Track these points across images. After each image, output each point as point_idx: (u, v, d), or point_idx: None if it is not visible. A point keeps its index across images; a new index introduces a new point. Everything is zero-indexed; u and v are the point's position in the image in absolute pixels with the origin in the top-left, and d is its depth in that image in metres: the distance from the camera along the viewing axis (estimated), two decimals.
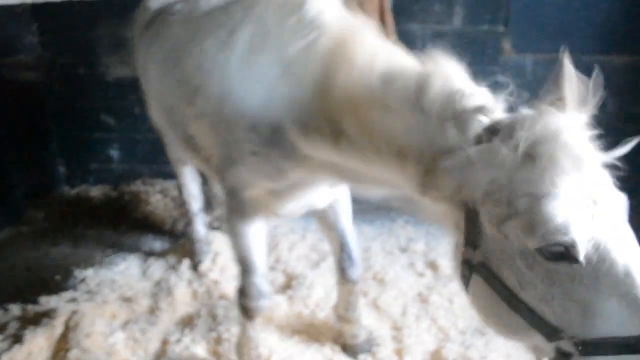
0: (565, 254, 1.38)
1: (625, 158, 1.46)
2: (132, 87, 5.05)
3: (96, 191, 5.39)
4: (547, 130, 1.38)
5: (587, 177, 1.38)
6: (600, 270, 1.37)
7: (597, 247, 1.38)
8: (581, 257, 1.36)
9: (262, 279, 2.67)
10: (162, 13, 3.16)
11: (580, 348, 1.38)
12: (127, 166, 5.49)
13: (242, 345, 2.89)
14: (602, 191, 1.41)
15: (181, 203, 4.40)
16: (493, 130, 1.49)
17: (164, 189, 5.22)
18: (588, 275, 1.38)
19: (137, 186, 5.33)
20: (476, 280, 1.56)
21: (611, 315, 1.37)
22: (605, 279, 1.37)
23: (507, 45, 4.53)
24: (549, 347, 1.46)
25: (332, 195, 2.65)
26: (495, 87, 1.65)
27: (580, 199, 1.38)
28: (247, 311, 2.74)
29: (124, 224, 4.77)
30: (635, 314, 1.35)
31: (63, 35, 5.18)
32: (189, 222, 4.14)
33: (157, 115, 3.07)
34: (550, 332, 1.43)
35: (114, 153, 5.48)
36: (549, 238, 1.36)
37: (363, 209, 4.86)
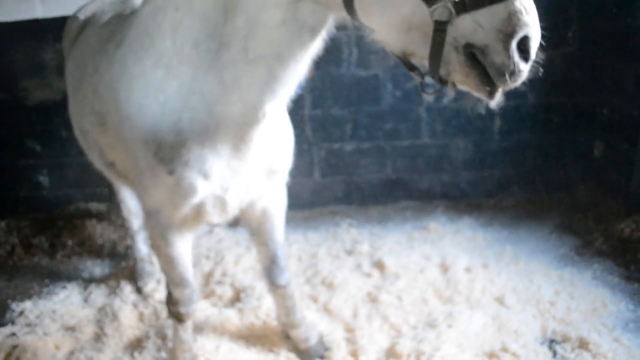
0: None
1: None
2: (56, 110, 4.89)
3: (27, 220, 5.15)
4: None
5: None
6: None
7: None
8: None
9: (194, 290, 2.72)
10: (87, 23, 3.10)
11: (453, 7, 1.48)
12: (59, 192, 5.29)
13: (176, 349, 2.88)
14: None
15: (119, 225, 4.28)
16: None
17: (100, 212, 5.07)
18: None
19: (71, 212, 5.15)
20: None
21: None
22: None
23: None
24: (426, 15, 1.52)
25: (258, 190, 2.55)
26: None
27: None
28: (178, 316, 2.78)
29: (61, 252, 4.58)
30: None
31: None
32: (130, 242, 4.03)
33: (77, 136, 2.98)
34: None
35: (44, 179, 5.27)
36: None
37: (307, 216, 4.93)
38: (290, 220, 4.55)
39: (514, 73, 1.52)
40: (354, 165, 5.05)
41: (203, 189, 2.22)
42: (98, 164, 2.83)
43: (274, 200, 2.70)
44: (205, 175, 2.19)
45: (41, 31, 4.76)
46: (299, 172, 4.99)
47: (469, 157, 5.02)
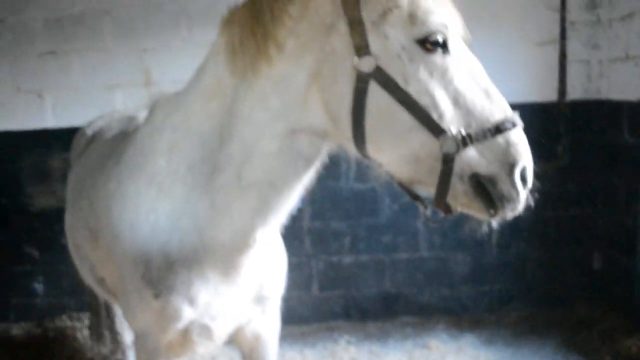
0: (440, 44, 1.65)
1: None
2: (58, 218, 4.88)
3: (18, 328, 5.02)
4: None
5: None
6: (464, 62, 1.68)
7: (458, 42, 1.71)
8: (450, 47, 1.66)
9: None
10: (94, 138, 3.18)
11: (461, 141, 1.60)
12: (53, 300, 5.19)
13: None
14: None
15: (112, 338, 4.15)
16: None
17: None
18: (456, 66, 1.66)
19: (63, 321, 5.02)
20: (373, 88, 1.67)
21: (474, 103, 1.64)
22: (467, 71, 1.67)
23: None
24: (435, 149, 1.63)
25: (248, 315, 2.44)
26: None
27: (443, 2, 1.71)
28: None
29: None
30: (489, 101, 1.66)
31: None
32: (121, 357, 3.89)
33: (70, 249, 2.96)
34: (434, 126, 1.63)
35: (38, 286, 5.19)
36: (429, 27, 1.63)
37: (304, 331, 4.80)
38: (287, 336, 4.43)
39: (517, 200, 1.65)
40: (353, 278, 4.99)
41: (188, 316, 2.13)
42: (89, 279, 2.79)
43: (266, 325, 2.55)
44: (191, 301, 2.10)
45: (50, 140, 4.91)
46: (296, 285, 4.93)
47: (468, 271, 4.97)
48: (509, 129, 1.63)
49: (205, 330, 2.22)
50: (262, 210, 1.96)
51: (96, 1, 4.78)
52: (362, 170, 4.74)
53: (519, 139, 1.65)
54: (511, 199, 1.65)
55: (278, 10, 1.76)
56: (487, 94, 1.67)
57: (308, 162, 1.89)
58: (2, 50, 4.85)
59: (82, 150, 3.24)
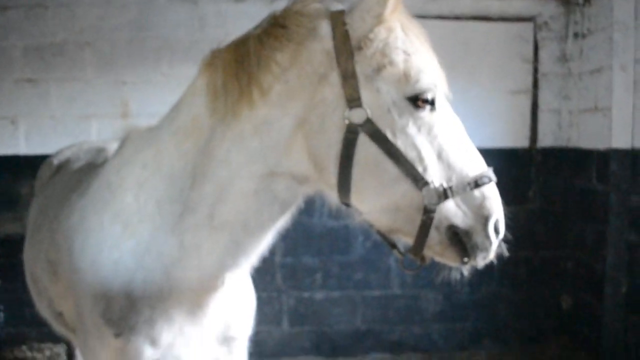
0: (429, 102, 1.71)
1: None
2: (22, 245, 4.74)
3: None
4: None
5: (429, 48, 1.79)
6: (448, 120, 1.76)
7: (444, 101, 1.77)
8: (437, 105, 1.72)
9: None
10: (59, 169, 3.11)
11: (442, 193, 1.66)
12: (13, 329, 5.01)
13: None
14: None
15: None
16: None
17: (54, 354, 4.81)
18: (441, 123, 1.73)
19: (23, 352, 4.88)
20: (362, 140, 1.70)
21: (455, 158, 1.71)
22: (451, 128, 1.75)
23: None
24: (417, 200, 1.68)
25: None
26: None
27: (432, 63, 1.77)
28: None
29: None
30: (468, 157, 1.73)
31: None
32: None
33: (28, 281, 2.85)
34: (418, 177, 1.67)
35: None
36: (420, 86, 1.69)
37: None
38: None
39: (489, 250, 1.74)
40: (324, 314, 4.96)
41: (150, 356, 2.03)
42: (46, 313, 2.66)
43: None
44: (153, 342, 2.01)
45: (20, 166, 4.82)
46: (267, 319, 4.89)
47: (439, 309, 4.98)
48: (485, 183, 1.71)
49: None
50: (232, 252, 1.92)
51: (78, 32, 4.77)
52: (336, 208, 4.75)
53: (493, 193, 1.73)
54: (484, 249, 1.72)
55: (265, 57, 1.76)
56: (466, 150, 1.74)
57: (284, 206, 1.87)
58: None
59: (47, 180, 3.16)
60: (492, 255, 1.76)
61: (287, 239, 4.84)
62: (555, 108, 4.97)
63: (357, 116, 1.69)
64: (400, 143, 1.69)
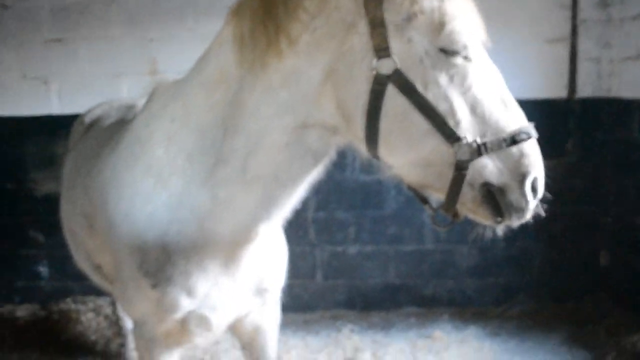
0: (462, 52, 1.62)
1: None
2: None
3: (23, 310, 5.05)
4: None
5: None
6: (483, 71, 1.65)
7: (479, 50, 1.67)
8: (472, 55, 1.63)
9: None
10: (91, 126, 3.15)
11: (475, 149, 1.59)
12: (57, 283, 5.21)
13: None
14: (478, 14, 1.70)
15: (115, 321, 4.17)
16: None
17: (97, 306, 4.96)
18: (476, 74, 1.63)
19: (68, 304, 5.05)
20: (390, 91, 1.64)
21: (491, 112, 1.62)
22: (486, 80, 1.64)
23: None
24: (449, 155, 1.62)
25: (251, 303, 2.40)
26: None
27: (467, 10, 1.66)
28: None
29: (52, 346, 4.44)
30: (505, 111, 1.63)
31: None
32: (123, 341, 3.90)
33: (66, 235, 2.94)
34: (450, 133, 1.60)
35: (43, 270, 5.22)
36: (453, 36, 1.60)
37: (307, 319, 4.80)
38: (291, 324, 4.45)
39: (525, 210, 1.66)
40: (357, 268, 4.98)
41: (186, 306, 2.10)
42: (84, 266, 2.76)
43: (265, 317, 2.53)
44: (189, 292, 2.07)
45: (55, 126, 4.91)
46: (301, 274, 4.95)
47: (473, 264, 4.95)
48: (524, 139, 1.62)
49: (204, 321, 2.19)
50: (266, 204, 1.92)
51: None
52: (368, 162, 4.72)
53: (532, 151, 1.64)
54: (520, 209, 1.66)
55: (293, 3, 1.70)
56: (504, 103, 1.65)
57: (317, 158, 1.85)
58: (8, 37, 4.85)
59: (79, 137, 3.22)
60: (528, 216, 1.69)
61: (320, 193, 4.88)
62: (594, 56, 4.72)
63: (386, 66, 1.63)
64: (431, 95, 1.62)
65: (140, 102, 2.79)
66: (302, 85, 1.75)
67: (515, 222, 1.69)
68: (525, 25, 4.69)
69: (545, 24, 4.72)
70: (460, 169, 1.62)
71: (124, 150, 2.19)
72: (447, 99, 1.62)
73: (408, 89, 1.62)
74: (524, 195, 1.63)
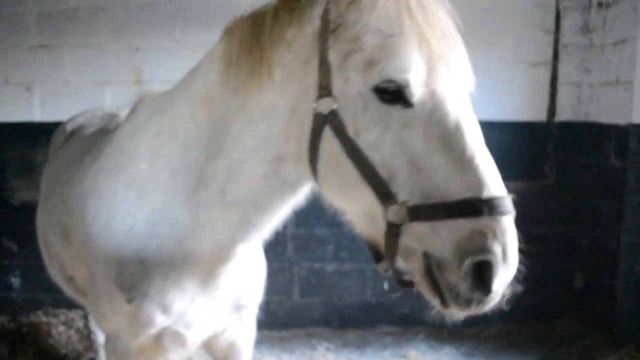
0: (399, 95, 1.42)
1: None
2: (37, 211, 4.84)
3: None
4: None
5: (436, 29, 1.46)
6: (432, 119, 1.40)
7: (432, 95, 1.42)
8: (414, 99, 1.41)
9: None
10: (72, 134, 3.12)
11: (407, 211, 1.37)
12: (29, 295, 5.10)
13: None
14: (450, 50, 1.47)
15: (86, 334, 4.09)
16: None
17: (69, 319, 4.86)
18: (419, 122, 1.41)
19: (39, 317, 4.94)
20: (327, 133, 1.54)
21: (436, 170, 1.37)
22: (434, 129, 1.40)
23: None
24: (380, 211, 1.44)
25: (225, 321, 2.38)
26: None
27: (422, 46, 1.43)
28: None
29: (21, 359, 4.33)
30: (460, 172, 1.36)
31: None
32: (93, 356, 3.83)
33: (40, 245, 2.90)
34: (379, 186, 1.43)
35: (15, 281, 5.10)
36: (384, 74, 1.41)
37: (283, 336, 4.76)
38: (266, 340, 4.41)
39: (467, 299, 1.37)
40: (334, 286, 4.97)
41: (161, 322, 2.07)
42: (57, 277, 2.71)
43: (241, 333, 2.50)
44: (165, 309, 2.04)
45: (36, 133, 4.85)
46: (278, 290, 4.92)
47: None
48: (480, 213, 1.32)
49: (179, 338, 2.16)
50: (244, 227, 1.92)
51: None
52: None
53: (493, 229, 1.31)
54: (459, 296, 1.37)
55: (277, 32, 1.69)
56: (461, 162, 1.36)
57: (294, 188, 1.84)
58: None
59: (60, 145, 3.18)
60: (472, 308, 1.39)
61: (299, 210, 4.85)
62: (575, 81, 4.85)
63: (325, 106, 1.54)
64: (361, 141, 1.48)
65: (124, 112, 2.78)
66: (278, 119, 1.72)
67: (458, 313, 1.43)
68: (509, 48, 4.79)
69: (528, 48, 4.83)
70: (391, 231, 1.43)
71: (106, 160, 2.16)
72: (378, 148, 1.45)
73: (340, 132, 1.51)
74: (464, 280, 1.34)
